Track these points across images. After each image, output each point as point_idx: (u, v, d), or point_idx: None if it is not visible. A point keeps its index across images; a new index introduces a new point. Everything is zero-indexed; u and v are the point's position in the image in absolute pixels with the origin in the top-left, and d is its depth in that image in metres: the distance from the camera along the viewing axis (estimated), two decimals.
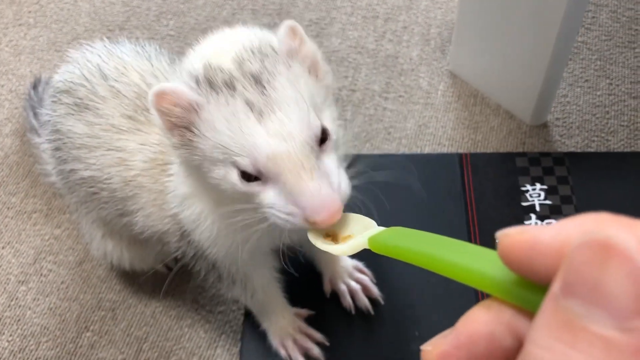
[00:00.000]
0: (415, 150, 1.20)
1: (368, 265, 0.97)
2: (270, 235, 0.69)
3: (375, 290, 0.94)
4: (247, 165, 0.59)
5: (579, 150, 1.16)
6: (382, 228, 0.56)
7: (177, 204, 0.76)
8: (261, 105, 0.58)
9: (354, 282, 0.94)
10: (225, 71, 0.60)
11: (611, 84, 1.25)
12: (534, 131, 1.21)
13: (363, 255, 0.97)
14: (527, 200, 1.02)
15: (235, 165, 0.60)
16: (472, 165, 1.06)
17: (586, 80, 1.26)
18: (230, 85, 0.60)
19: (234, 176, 0.60)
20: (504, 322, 0.33)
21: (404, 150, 1.20)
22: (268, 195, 0.60)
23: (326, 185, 0.57)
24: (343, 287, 0.94)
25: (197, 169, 0.65)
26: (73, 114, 0.83)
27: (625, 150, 1.15)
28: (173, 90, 0.61)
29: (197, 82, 0.61)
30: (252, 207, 0.62)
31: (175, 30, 1.41)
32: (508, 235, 0.32)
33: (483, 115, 1.24)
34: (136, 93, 0.80)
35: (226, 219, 0.71)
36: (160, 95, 0.61)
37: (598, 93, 1.24)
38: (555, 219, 0.99)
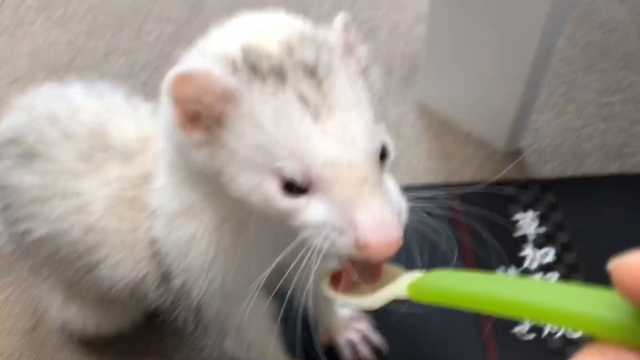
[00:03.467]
0: None
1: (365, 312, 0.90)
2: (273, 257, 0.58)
3: (376, 339, 0.87)
4: (295, 172, 0.48)
5: (555, 176, 1.14)
6: (417, 273, 0.50)
7: (163, 224, 0.65)
8: (318, 103, 0.48)
9: (353, 332, 0.87)
10: (273, 56, 0.50)
11: (578, 107, 1.25)
12: (508, 158, 1.18)
13: None
14: (520, 230, 0.98)
15: (276, 173, 0.49)
16: (460, 197, 1.02)
17: (554, 105, 1.26)
18: (279, 74, 0.49)
19: (272, 188, 0.50)
20: None
21: None
22: (315, 211, 0.49)
23: (389, 207, 0.48)
24: (342, 341, 0.86)
25: (212, 176, 0.54)
26: (21, 165, 0.74)
27: (602, 172, 1.14)
28: (205, 73, 0.49)
29: (234, 66, 0.50)
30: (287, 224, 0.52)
31: (125, 69, 1.33)
32: (629, 264, 0.27)
33: (455, 144, 1.21)
34: (90, 132, 0.72)
35: (237, 233, 0.61)
36: (184, 80, 0.49)
37: (567, 117, 1.24)
38: (552, 247, 0.96)
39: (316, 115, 0.48)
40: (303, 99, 0.48)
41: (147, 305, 0.79)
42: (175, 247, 0.65)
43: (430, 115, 1.26)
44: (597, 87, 1.28)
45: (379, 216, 0.47)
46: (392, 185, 0.52)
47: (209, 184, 0.56)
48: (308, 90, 0.48)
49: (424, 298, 0.47)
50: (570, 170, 1.15)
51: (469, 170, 1.17)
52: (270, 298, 0.77)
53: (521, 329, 0.89)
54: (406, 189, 0.56)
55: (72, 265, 0.76)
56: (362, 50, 0.56)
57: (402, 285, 0.50)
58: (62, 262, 0.77)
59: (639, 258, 0.27)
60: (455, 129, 1.23)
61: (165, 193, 0.65)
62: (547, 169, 1.16)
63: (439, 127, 1.24)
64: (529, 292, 0.37)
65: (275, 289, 0.61)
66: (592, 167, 1.15)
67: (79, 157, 0.72)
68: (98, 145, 0.72)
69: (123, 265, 0.73)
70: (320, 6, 1.43)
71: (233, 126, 0.50)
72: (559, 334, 0.88)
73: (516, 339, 0.89)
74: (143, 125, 0.74)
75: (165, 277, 0.70)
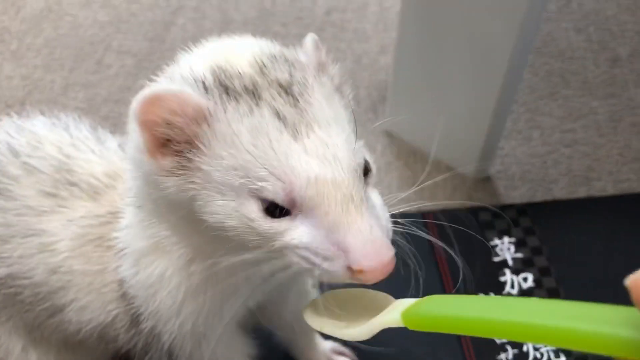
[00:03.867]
0: None
1: (346, 344, 0.86)
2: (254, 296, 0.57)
3: None
4: (278, 192, 0.46)
5: (525, 201, 1.14)
6: (409, 300, 0.48)
7: (130, 265, 0.62)
8: (295, 121, 0.46)
9: None
10: (245, 76, 0.48)
11: (543, 134, 1.27)
12: (478, 185, 1.19)
13: None
14: (498, 255, 0.98)
15: (256, 194, 0.47)
16: (437, 224, 1.01)
17: (519, 132, 1.27)
18: (253, 92, 0.47)
19: (253, 209, 0.47)
20: None
21: None
22: (299, 234, 0.46)
23: (377, 226, 0.46)
24: None
25: (185, 204, 0.51)
26: None
27: (570, 197, 1.15)
28: (175, 94, 0.47)
29: (205, 87, 0.48)
30: (268, 250, 0.48)
31: (86, 103, 1.28)
32: None
33: (426, 172, 1.21)
34: (54, 167, 0.69)
35: (208, 272, 0.58)
36: (153, 102, 0.47)
37: (533, 144, 1.25)
38: (530, 272, 0.96)
39: (295, 133, 0.46)
40: (280, 117, 0.46)
41: (117, 349, 0.74)
42: (143, 288, 0.62)
43: (399, 144, 1.26)
44: (559, 113, 1.30)
45: (369, 238, 0.45)
46: (376, 199, 0.50)
47: (180, 214, 0.53)
48: (284, 107, 0.47)
49: (421, 326, 0.45)
50: (539, 195, 1.16)
51: (440, 197, 1.16)
52: (247, 335, 0.74)
53: (506, 356, 0.88)
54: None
55: (34, 308, 0.71)
56: (335, 69, 0.55)
57: (394, 313, 0.48)
58: (23, 305, 0.72)
59: None
60: (424, 157, 1.23)
61: (131, 232, 0.62)
62: (517, 195, 1.16)
63: (408, 156, 1.24)
64: (538, 314, 0.35)
65: (256, 324, 0.58)
66: (560, 192, 1.17)
67: (42, 193, 0.68)
68: (63, 181, 0.68)
69: (91, 308, 0.68)
70: (284, 38, 1.42)
71: (207, 148, 0.48)
72: None
73: None
74: (110, 160, 0.71)
75: (135, 320, 0.66)
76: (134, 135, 0.50)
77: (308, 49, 0.53)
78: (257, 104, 0.47)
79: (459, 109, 1.11)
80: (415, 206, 1.13)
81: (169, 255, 0.59)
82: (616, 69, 1.38)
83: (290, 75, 0.49)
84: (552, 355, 0.87)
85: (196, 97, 0.47)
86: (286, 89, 0.48)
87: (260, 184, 0.46)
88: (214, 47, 0.54)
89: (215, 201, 0.48)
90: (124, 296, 0.66)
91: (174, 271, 0.59)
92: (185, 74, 0.51)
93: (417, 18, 1.07)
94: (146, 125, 0.48)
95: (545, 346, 0.88)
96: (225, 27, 1.46)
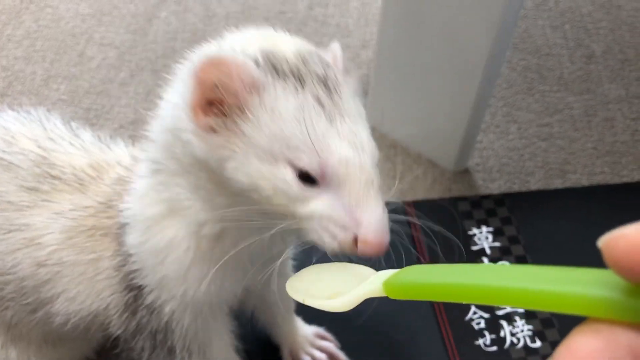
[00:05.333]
0: None
1: (329, 329, 0.88)
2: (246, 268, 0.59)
3: (341, 357, 0.86)
4: (313, 164, 0.51)
5: (507, 191, 1.17)
6: (390, 271, 0.50)
7: (140, 233, 0.63)
8: (331, 109, 0.52)
9: (317, 351, 0.85)
10: (291, 61, 0.53)
11: (520, 128, 1.30)
12: (457, 177, 1.21)
13: (323, 319, 0.89)
14: (476, 244, 1.00)
15: (292, 163, 0.51)
16: (417, 214, 1.03)
17: (497, 126, 1.30)
18: (298, 77, 0.52)
19: (289, 175, 0.52)
20: (623, 346, 0.28)
21: None
22: (323, 203, 0.52)
23: (386, 213, 0.52)
24: (306, 359, 0.84)
25: (211, 163, 0.54)
26: None
27: (546, 188, 1.18)
28: (237, 61, 0.51)
29: (257, 63, 0.53)
30: (290, 215, 0.53)
31: (67, 95, 1.28)
32: (625, 236, 0.27)
33: (406, 165, 1.23)
34: (33, 161, 0.69)
35: (216, 240, 0.61)
36: (216, 64, 0.51)
37: (510, 137, 1.28)
38: (508, 260, 0.98)
39: (331, 119, 0.51)
40: (320, 102, 0.51)
41: (101, 338, 0.74)
42: (152, 255, 0.63)
43: (379, 137, 1.28)
44: (536, 108, 1.34)
45: (380, 219, 0.51)
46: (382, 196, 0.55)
47: (203, 174, 0.56)
48: (322, 95, 0.52)
49: (403, 294, 0.46)
50: (516, 188, 1.19)
51: (420, 189, 1.19)
52: (231, 321, 0.75)
53: (484, 341, 0.90)
54: None
55: (15, 305, 0.71)
56: (354, 76, 0.60)
57: (376, 283, 0.49)
58: (2, 302, 0.72)
59: (628, 231, 0.27)
60: (405, 150, 1.25)
61: (143, 200, 0.63)
62: (495, 188, 1.19)
63: (389, 149, 1.26)
64: (515, 278, 0.37)
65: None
66: (536, 184, 1.20)
67: (23, 188, 0.68)
68: (44, 175, 0.68)
69: (81, 297, 0.69)
70: None
71: (254, 116, 0.52)
72: (520, 344, 0.90)
73: (480, 351, 0.89)
74: (91, 152, 0.71)
75: (129, 305, 0.67)
76: (182, 90, 0.54)
77: (337, 53, 0.59)
78: (301, 87, 0.52)
79: (439, 103, 1.13)
80: (396, 197, 1.16)
81: (182, 218, 0.61)
82: (591, 65, 1.42)
83: (325, 71, 0.54)
84: (528, 340, 0.90)
85: (255, 69, 0.52)
86: (323, 82, 0.53)
87: (299, 154, 0.51)
88: (259, 33, 0.58)
89: (252, 164, 0.52)
90: (123, 278, 0.66)
91: (185, 235, 0.61)
92: (236, 49, 0.54)
93: (397, 13, 1.09)
94: (202, 83, 0.52)
95: (523, 330, 0.91)
96: (208, 20, 1.47)
